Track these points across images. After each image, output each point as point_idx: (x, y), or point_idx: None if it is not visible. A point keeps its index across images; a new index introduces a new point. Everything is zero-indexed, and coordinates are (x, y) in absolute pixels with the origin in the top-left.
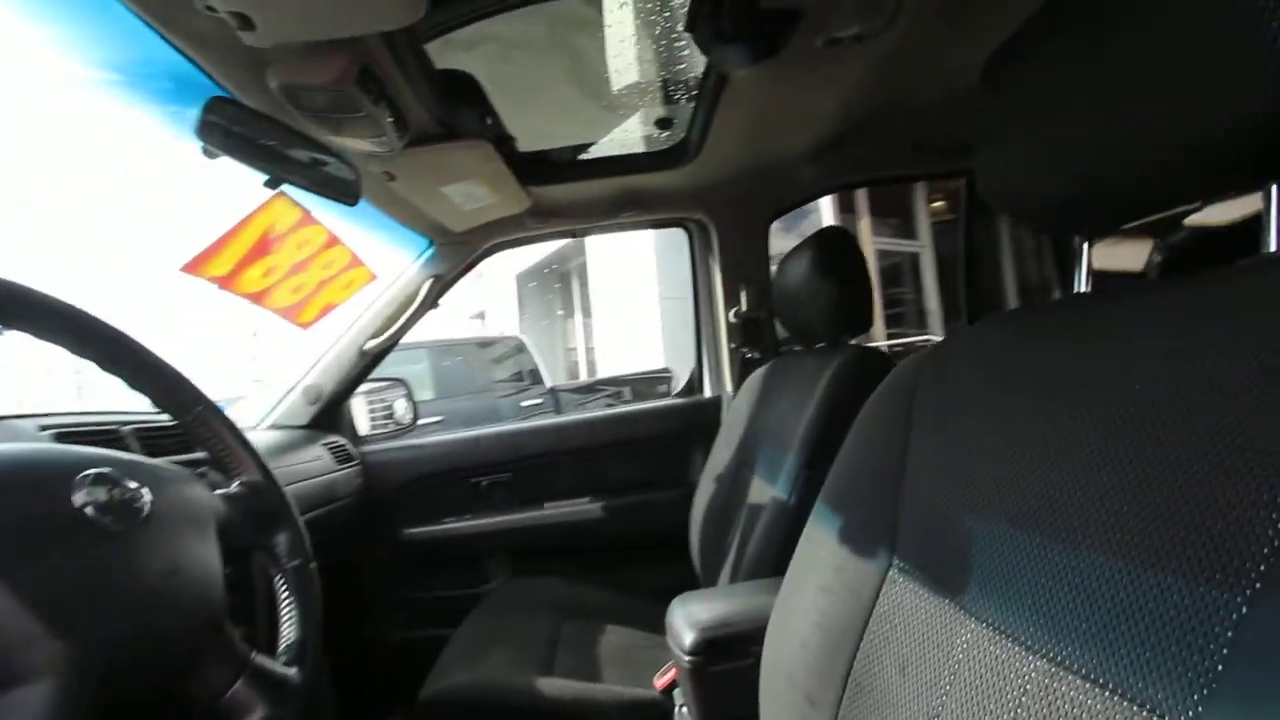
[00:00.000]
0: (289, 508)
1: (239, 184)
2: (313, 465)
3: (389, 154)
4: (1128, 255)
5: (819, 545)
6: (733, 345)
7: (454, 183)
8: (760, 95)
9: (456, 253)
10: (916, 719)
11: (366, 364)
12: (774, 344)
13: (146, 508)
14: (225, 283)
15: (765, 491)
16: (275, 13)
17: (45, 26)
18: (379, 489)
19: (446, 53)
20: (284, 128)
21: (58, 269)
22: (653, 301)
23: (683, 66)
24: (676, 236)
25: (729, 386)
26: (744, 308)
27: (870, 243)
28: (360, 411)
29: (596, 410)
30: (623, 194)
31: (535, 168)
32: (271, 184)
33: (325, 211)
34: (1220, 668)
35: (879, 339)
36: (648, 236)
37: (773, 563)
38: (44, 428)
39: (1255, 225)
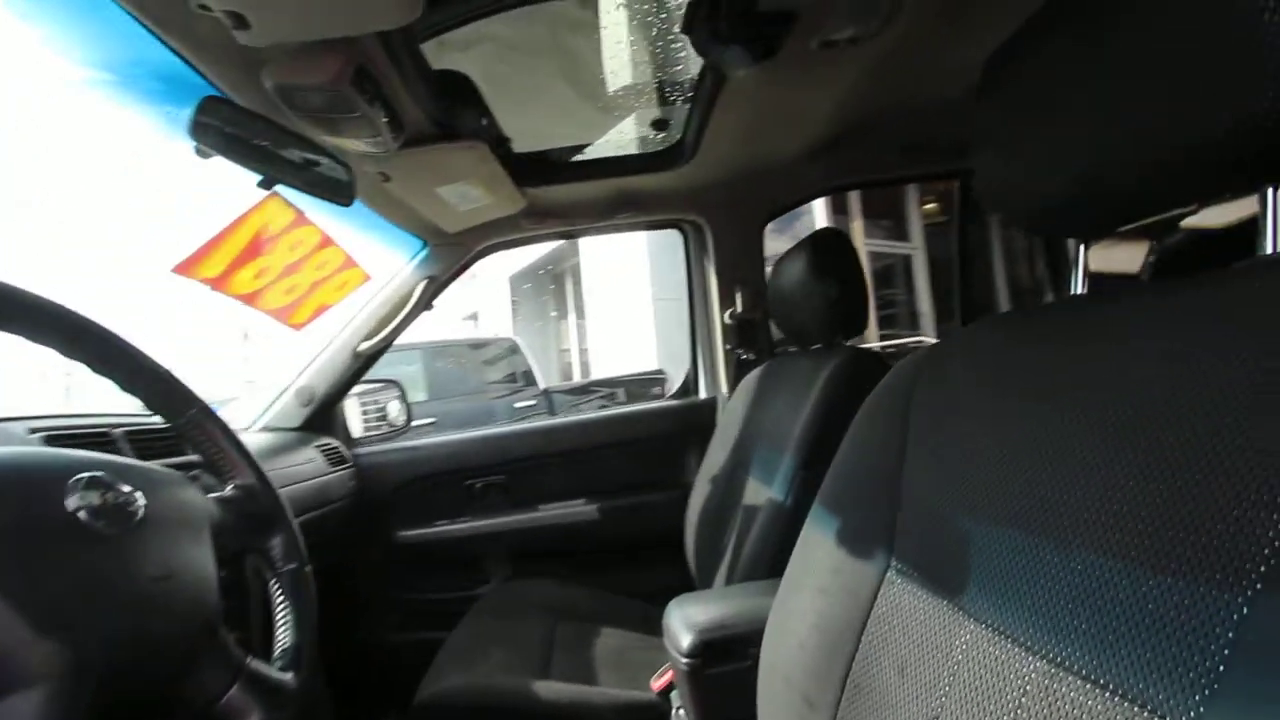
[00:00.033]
0: (284, 511)
1: (238, 183)
2: (305, 468)
3: (384, 154)
4: (1123, 257)
5: (816, 547)
6: (728, 346)
7: (449, 183)
8: (756, 97)
9: (451, 254)
10: None
11: (360, 366)
12: (769, 345)
13: (140, 512)
14: (217, 284)
15: (761, 493)
16: (270, 12)
17: (38, 26)
18: (373, 491)
19: (442, 53)
20: (278, 128)
21: (58, 269)
22: (646, 303)
23: (679, 68)
24: (670, 238)
25: (724, 388)
26: (739, 309)
27: (863, 244)
28: (353, 413)
29: (591, 412)
30: (618, 195)
31: (531, 169)
32: (265, 184)
33: (319, 212)
34: (1222, 668)
35: (872, 340)
36: (641, 238)
37: (769, 564)
38: (34, 430)
39: (1251, 228)
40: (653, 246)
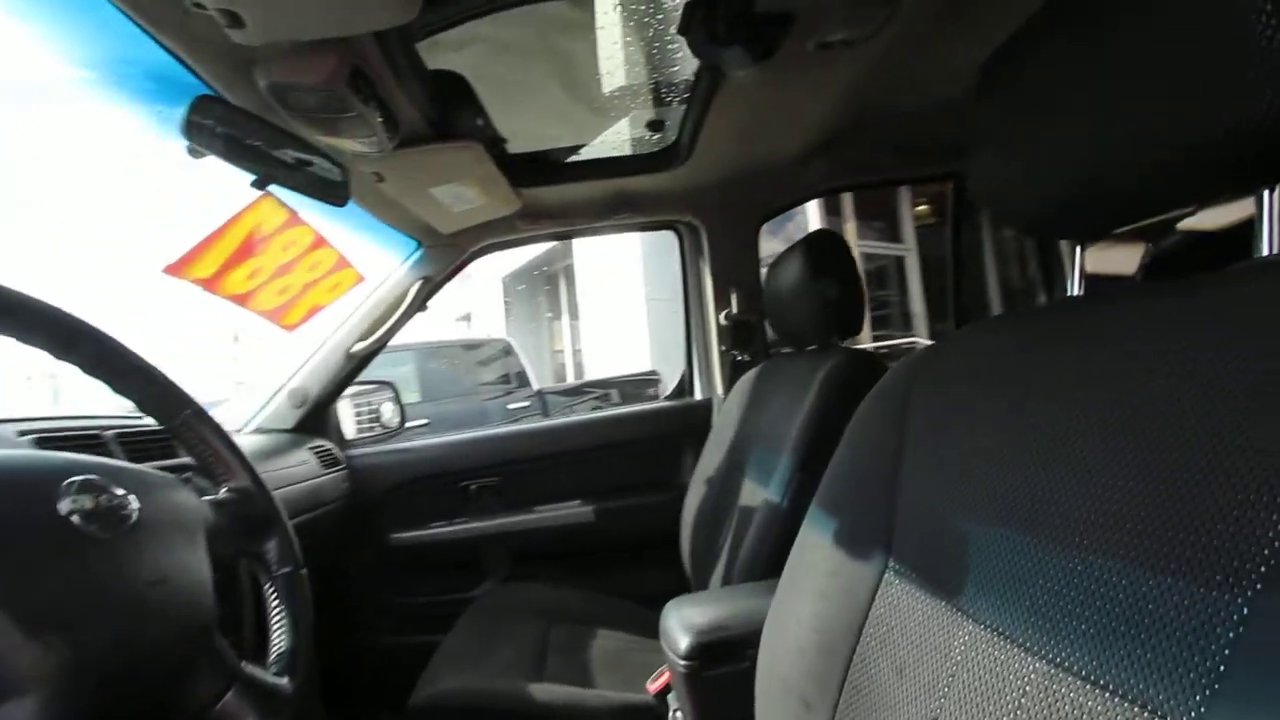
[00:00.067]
0: (279, 514)
1: (238, 183)
2: (298, 470)
3: (379, 155)
4: (1119, 259)
5: (814, 548)
6: (723, 348)
7: (444, 184)
8: (752, 98)
9: (445, 255)
10: None
11: (353, 367)
12: (764, 346)
13: (134, 515)
14: (210, 285)
15: (757, 494)
16: (265, 11)
17: (30, 24)
18: (366, 493)
19: (438, 53)
20: (272, 128)
21: (58, 269)
22: (640, 304)
23: (674, 69)
24: (663, 239)
25: (719, 389)
26: (734, 310)
27: (856, 245)
28: (346, 415)
29: (586, 413)
30: (613, 196)
31: (526, 169)
32: (259, 184)
33: (312, 212)
34: (1222, 668)
35: (865, 341)
36: (635, 238)
37: (765, 565)
38: (24, 433)
39: (1247, 230)
40: (646, 247)
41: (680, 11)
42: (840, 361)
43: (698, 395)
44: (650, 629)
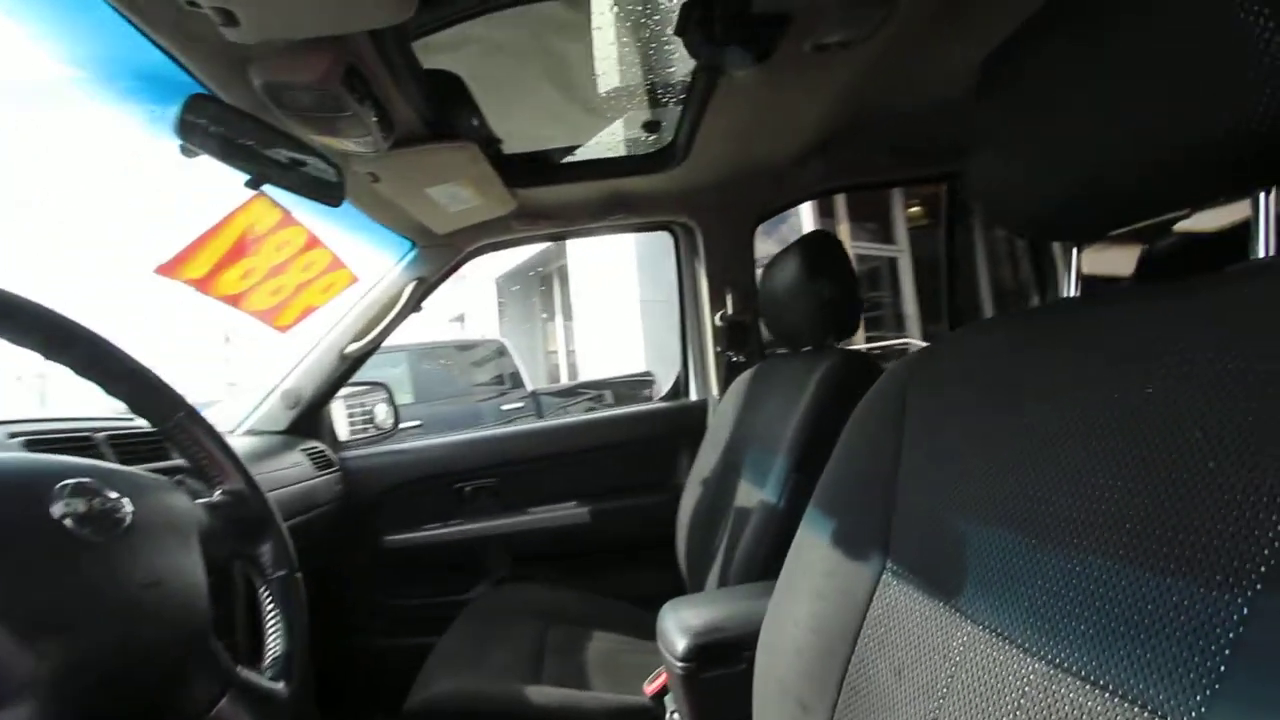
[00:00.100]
0: (273, 516)
1: (235, 183)
2: (291, 472)
3: (373, 155)
4: (1114, 261)
5: (811, 549)
6: (718, 348)
7: (439, 184)
8: (748, 99)
9: (440, 255)
10: None
11: (347, 368)
12: (759, 347)
13: (128, 518)
14: (202, 285)
15: (753, 495)
16: (260, 9)
17: (23, 23)
18: (360, 495)
19: (433, 53)
20: (266, 127)
21: (58, 269)
22: (634, 304)
23: (671, 70)
24: (657, 239)
25: (715, 390)
26: (729, 311)
27: (849, 247)
28: (340, 416)
29: (582, 414)
30: (609, 197)
31: (521, 170)
32: (253, 184)
33: (305, 212)
34: (1223, 669)
35: (858, 342)
36: (629, 239)
37: (762, 566)
38: (14, 435)
39: (1243, 231)
40: (640, 248)
41: (677, 12)
42: (836, 363)
43: (693, 396)
44: (646, 630)
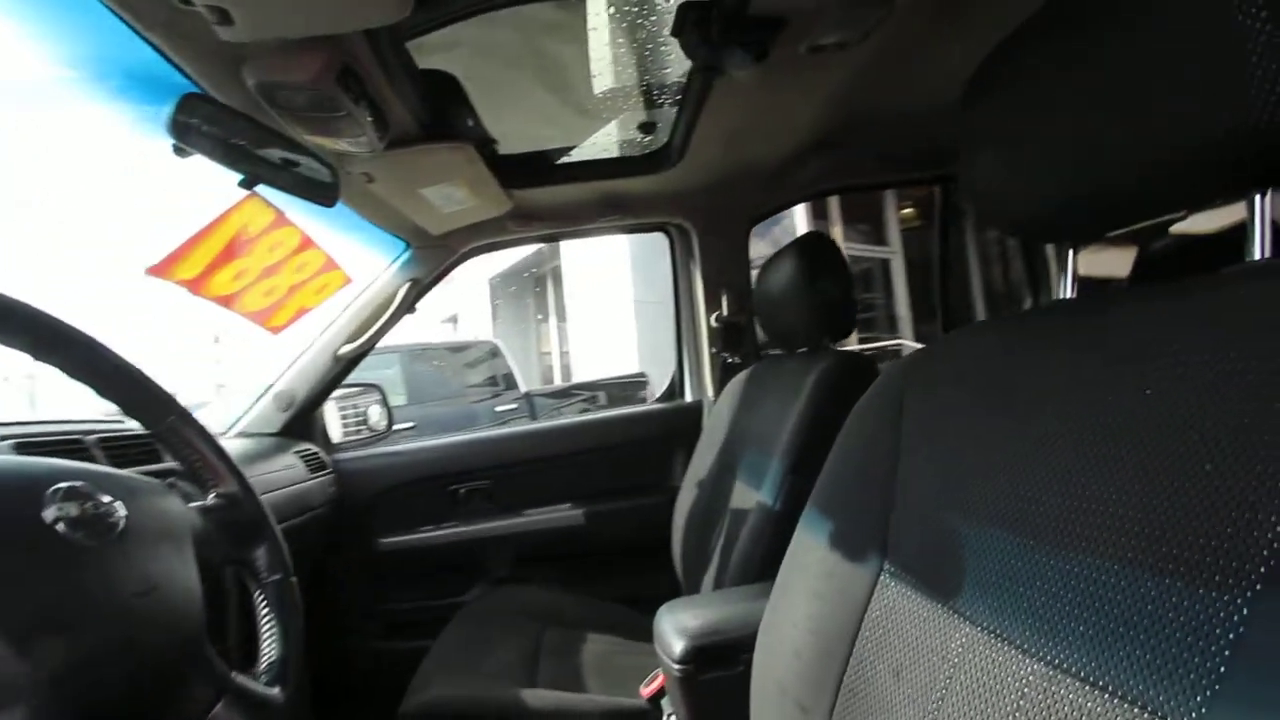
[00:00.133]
0: (268, 520)
1: (233, 184)
2: (285, 474)
3: (368, 155)
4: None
5: (809, 550)
6: (714, 350)
7: (434, 185)
8: (743, 101)
9: (434, 256)
10: None
11: (340, 369)
12: (755, 348)
13: (121, 522)
14: (194, 286)
15: (750, 496)
16: (254, 7)
17: (15, 23)
18: (353, 498)
19: (428, 53)
20: (260, 126)
21: (57, 269)
22: (628, 305)
23: (666, 71)
24: (651, 240)
25: (710, 391)
26: (725, 312)
27: (842, 248)
28: (333, 418)
29: (577, 416)
30: (604, 198)
31: (517, 170)
32: (246, 184)
33: (299, 213)
34: (1223, 669)
35: (851, 343)
36: (623, 240)
37: (758, 568)
38: (3, 438)
39: (1239, 233)
40: (635, 249)
41: (673, 13)
42: (832, 364)
43: (688, 397)
44: (643, 632)
